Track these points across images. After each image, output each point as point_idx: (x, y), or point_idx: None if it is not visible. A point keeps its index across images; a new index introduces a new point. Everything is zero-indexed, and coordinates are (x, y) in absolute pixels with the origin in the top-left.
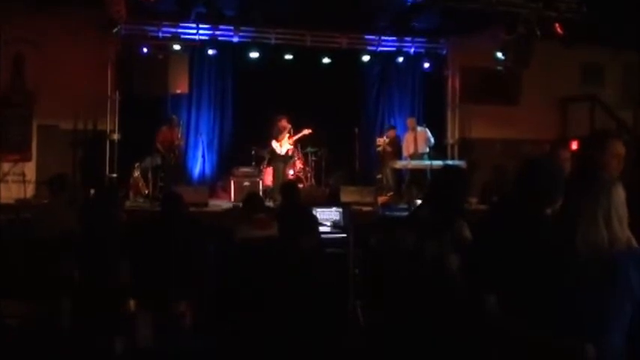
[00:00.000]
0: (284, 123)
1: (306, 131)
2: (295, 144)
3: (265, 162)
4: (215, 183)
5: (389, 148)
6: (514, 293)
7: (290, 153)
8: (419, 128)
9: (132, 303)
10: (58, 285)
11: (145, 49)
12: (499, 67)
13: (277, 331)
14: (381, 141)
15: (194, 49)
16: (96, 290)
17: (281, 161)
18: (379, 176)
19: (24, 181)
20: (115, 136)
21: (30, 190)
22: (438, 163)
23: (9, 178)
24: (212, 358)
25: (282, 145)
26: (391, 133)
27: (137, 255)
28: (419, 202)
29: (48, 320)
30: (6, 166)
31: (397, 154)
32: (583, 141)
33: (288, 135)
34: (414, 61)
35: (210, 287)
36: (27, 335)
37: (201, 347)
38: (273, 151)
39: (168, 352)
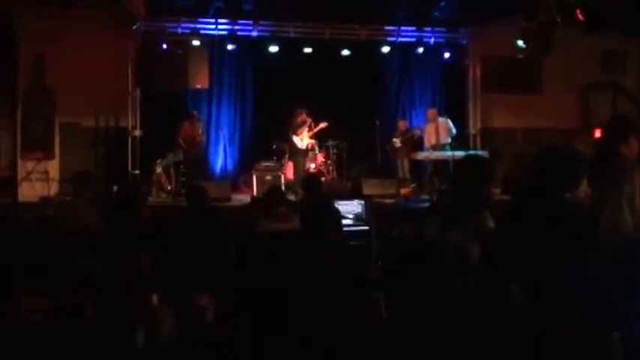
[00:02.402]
0: (304, 117)
1: (323, 124)
2: (315, 137)
3: (287, 156)
4: (237, 178)
5: (407, 139)
6: (536, 281)
7: (310, 147)
8: (440, 119)
9: (154, 297)
10: (80, 280)
11: (164, 45)
12: (520, 56)
13: (299, 325)
14: (397, 133)
15: (213, 44)
16: (117, 285)
17: (301, 155)
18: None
19: (47, 179)
20: (137, 133)
21: (54, 188)
22: (460, 153)
23: (33, 176)
24: (233, 350)
25: (303, 139)
26: (401, 125)
27: (159, 249)
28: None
29: (70, 315)
30: (29, 165)
31: (416, 144)
32: (606, 127)
33: (307, 129)
34: (434, 51)
35: (232, 280)
36: (49, 329)
37: (222, 340)
38: (293, 145)
39: (189, 345)
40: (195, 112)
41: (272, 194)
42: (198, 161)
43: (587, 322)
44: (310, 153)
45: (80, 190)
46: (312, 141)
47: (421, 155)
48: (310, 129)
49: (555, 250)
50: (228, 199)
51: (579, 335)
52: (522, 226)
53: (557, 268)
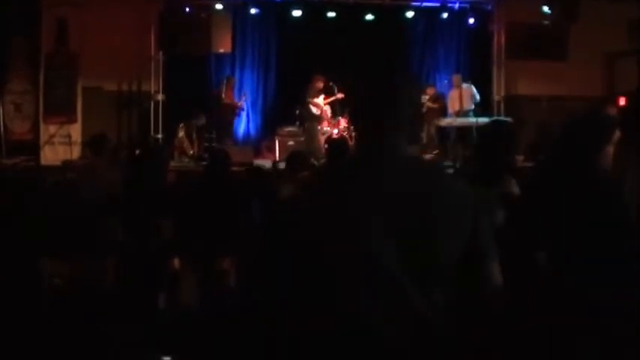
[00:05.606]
0: (320, 84)
1: (339, 95)
2: (332, 104)
3: None
4: (260, 142)
5: (434, 105)
6: (563, 248)
7: (325, 114)
8: (464, 85)
9: (176, 261)
10: (103, 244)
11: (187, 9)
12: (546, 22)
13: (321, 291)
14: (425, 99)
15: (236, 8)
16: (140, 249)
17: (315, 121)
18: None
19: (70, 143)
20: (160, 97)
21: (76, 152)
22: (483, 120)
23: (55, 140)
24: (255, 315)
25: (318, 106)
26: (430, 90)
27: (182, 213)
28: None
29: (92, 279)
30: (52, 128)
31: (442, 111)
32: (631, 96)
33: (323, 96)
34: (458, 16)
35: (255, 245)
36: (72, 294)
37: (244, 304)
38: (308, 110)
39: (211, 310)
40: (231, 76)
41: (294, 159)
42: (225, 125)
43: (615, 292)
44: (325, 121)
45: (98, 153)
46: (327, 108)
47: (445, 121)
48: (326, 97)
49: (582, 216)
50: (251, 164)
51: (606, 304)
52: (550, 195)
53: (584, 235)
